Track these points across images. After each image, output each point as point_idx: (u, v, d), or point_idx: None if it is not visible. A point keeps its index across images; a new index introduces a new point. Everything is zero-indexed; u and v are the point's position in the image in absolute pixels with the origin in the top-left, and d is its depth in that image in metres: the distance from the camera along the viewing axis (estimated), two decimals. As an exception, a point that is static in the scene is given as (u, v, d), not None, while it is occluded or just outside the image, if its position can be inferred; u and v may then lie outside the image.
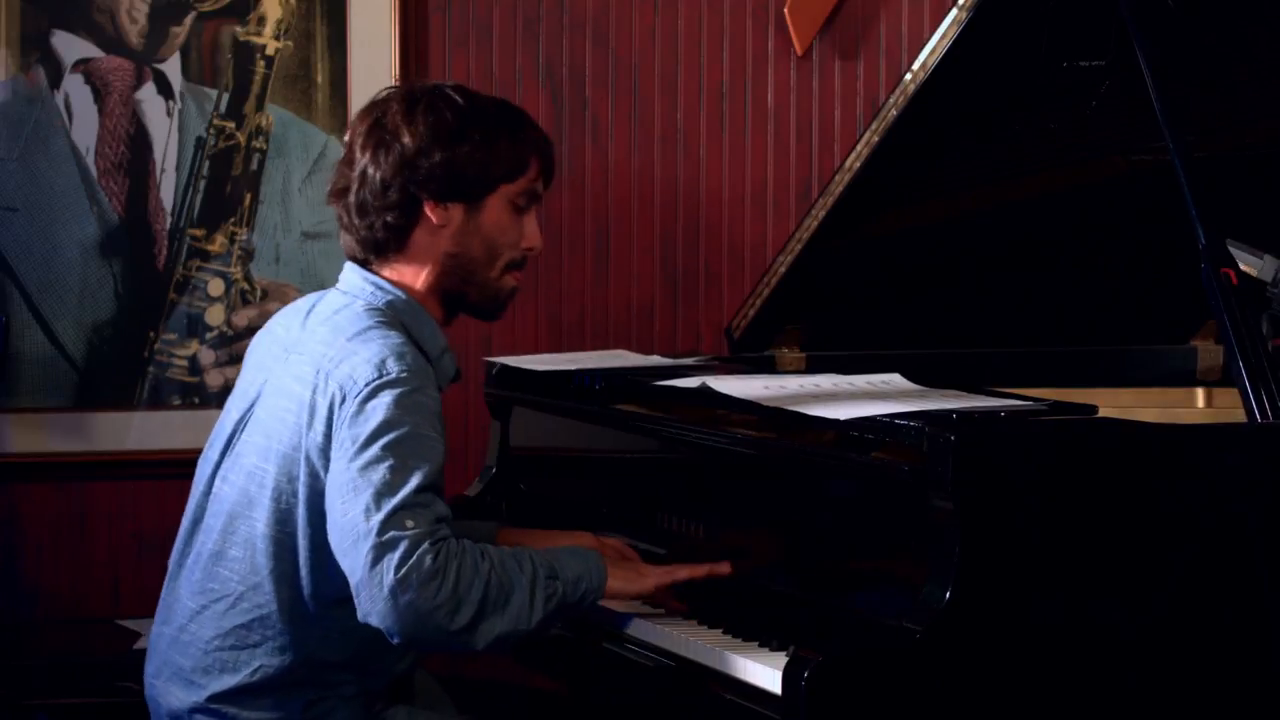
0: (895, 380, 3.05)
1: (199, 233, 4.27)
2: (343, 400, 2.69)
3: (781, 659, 2.55)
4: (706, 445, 3.05)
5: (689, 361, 3.61)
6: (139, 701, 3.75)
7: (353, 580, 2.60)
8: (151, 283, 4.26)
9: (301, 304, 2.94)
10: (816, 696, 2.42)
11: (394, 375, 2.68)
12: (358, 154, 2.81)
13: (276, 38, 4.28)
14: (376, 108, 2.84)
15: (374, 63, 4.29)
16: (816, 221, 3.49)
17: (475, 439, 4.33)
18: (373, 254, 2.84)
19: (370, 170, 2.79)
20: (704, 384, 3.05)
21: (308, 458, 2.72)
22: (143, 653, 3.90)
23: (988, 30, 3.21)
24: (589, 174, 4.43)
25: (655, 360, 3.62)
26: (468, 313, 2.92)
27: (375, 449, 2.63)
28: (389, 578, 2.55)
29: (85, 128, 4.22)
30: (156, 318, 4.27)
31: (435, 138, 2.78)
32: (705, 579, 2.87)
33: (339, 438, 2.67)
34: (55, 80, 4.21)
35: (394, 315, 2.80)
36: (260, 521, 2.75)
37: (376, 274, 2.85)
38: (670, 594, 2.87)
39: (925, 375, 3.07)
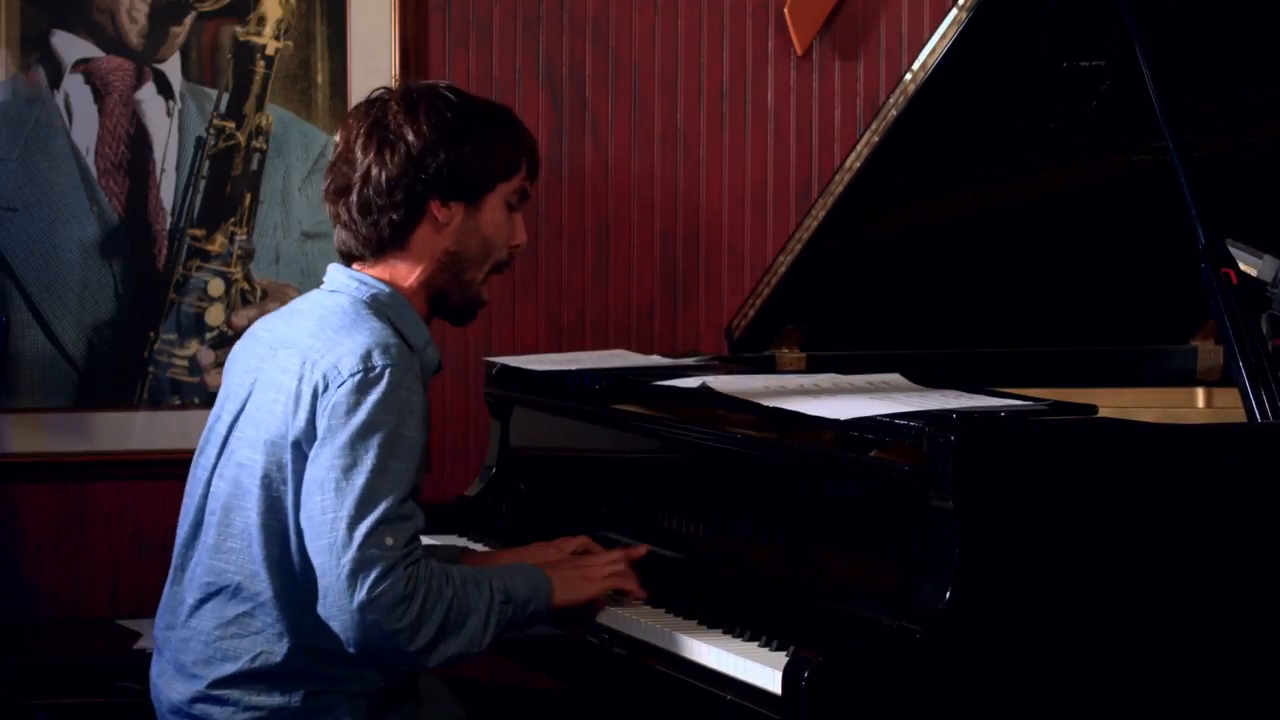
0: (895, 380, 3.06)
1: (199, 233, 4.27)
2: (325, 388, 2.73)
3: (781, 659, 2.55)
4: (706, 445, 3.05)
5: (689, 361, 3.61)
6: (139, 701, 3.76)
7: (321, 580, 2.68)
8: (151, 283, 4.27)
9: (284, 308, 2.99)
10: (816, 696, 2.42)
11: (379, 368, 2.73)
12: (358, 154, 2.84)
13: (276, 38, 4.28)
14: (374, 108, 2.87)
15: (374, 63, 4.29)
16: (816, 221, 3.49)
17: (475, 439, 4.33)
18: (373, 252, 2.87)
19: (374, 170, 2.83)
20: (704, 384, 3.05)
21: (295, 445, 2.76)
22: (142, 652, 3.92)
23: (988, 30, 3.21)
24: (589, 174, 4.43)
25: (655, 360, 3.62)
26: (443, 315, 2.96)
27: (360, 451, 2.69)
28: (360, 595, 2.64)
29: (85, 128, 4.22)
30: (156, 318, 4.27)
31: (439, 137, 2.83)
32: (695, 575, 2.94)
33: (322, 425, 2.72)
34: (55, 80, 4.21)
35: (379, 308, 2.84)
36: (252, 511, 2.79)
37: (362, 271, 2.89)
38: (631, 584, 2.95)
39: (925, 375, 3.07)
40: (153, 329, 4.27)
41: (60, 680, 3.87)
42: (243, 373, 2.91)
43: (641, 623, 2.86)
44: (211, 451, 2.89)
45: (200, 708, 2.82)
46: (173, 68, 4.26)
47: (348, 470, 2.68)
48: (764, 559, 2.92)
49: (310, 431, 2.73)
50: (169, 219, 4.26)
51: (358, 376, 2.72)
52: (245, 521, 2.79)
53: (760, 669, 2.59)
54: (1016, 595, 2.52)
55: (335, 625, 2.67)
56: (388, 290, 2.86)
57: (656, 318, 4.46)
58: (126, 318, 4.26)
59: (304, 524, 2.72)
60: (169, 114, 4.26)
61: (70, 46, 4.21)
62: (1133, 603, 2.58)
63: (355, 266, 2.90)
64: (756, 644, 2.69)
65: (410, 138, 2.82)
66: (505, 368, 3.62)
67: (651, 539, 3.13)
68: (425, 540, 3.37)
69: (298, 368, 2.78)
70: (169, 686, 2.87)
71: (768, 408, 2.88)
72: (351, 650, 2.69)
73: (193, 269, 4.27)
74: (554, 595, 2.87)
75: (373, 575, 2.63)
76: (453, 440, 4.41)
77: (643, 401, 3.26)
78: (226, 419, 2.89)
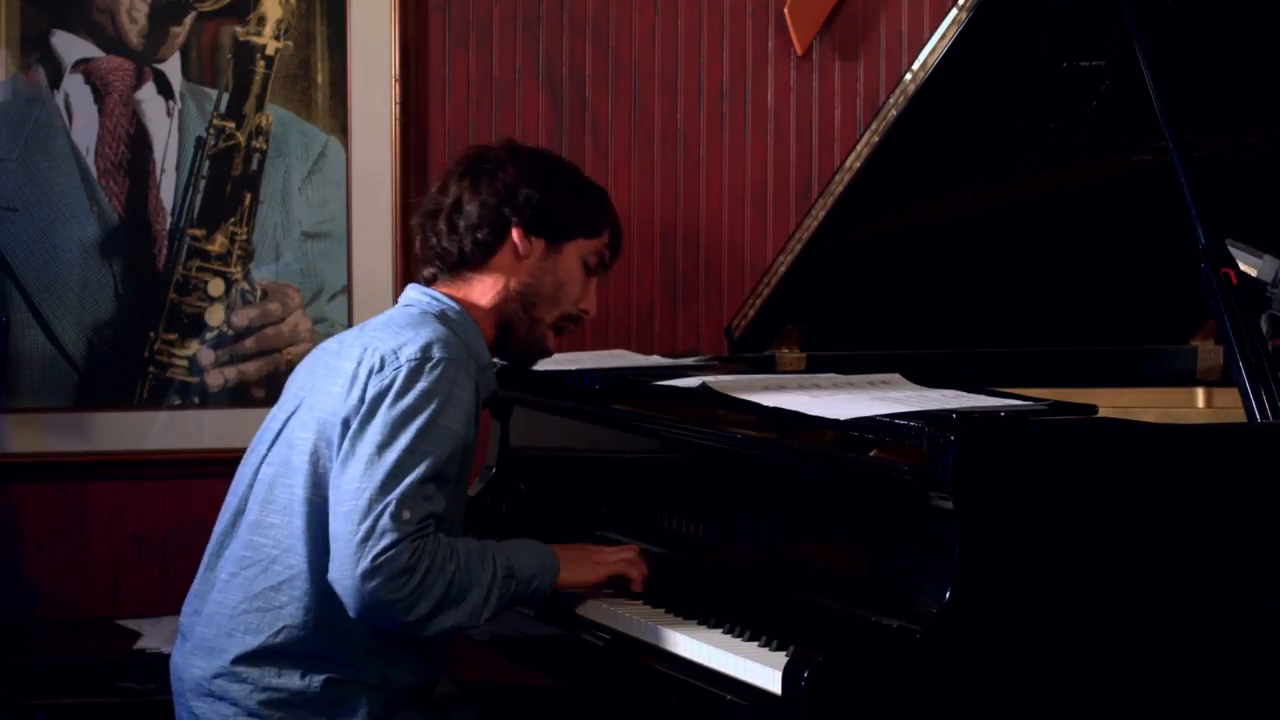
0: (895, 380, 3.06)
1: (199, 233, 4.27)
2: (380, 367, 2.84)
3: (781, 659, 2.55)
4: (706, 445, 3.05)
5: (689, 361, 3.61)
6: (139, 701, 3.76)
7: (334, 544, 2.77)
8: (151, 283, 4.27)
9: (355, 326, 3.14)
10: (816, 696, 2.42)
11: (436, 359, 2.84)
12: (453, 185, 3.04)
13: (276, 38, 4.28)
14: (478, 149, 3.08)
15: (374, 63, 4.29)
16: (816, 221, 3.49)
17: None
18: (451, 267, 3.02)
19: (467, 195, 3.01)
20: (704, 384, 3.05)
21: (345, 421, 2.85)
22: (142, 653, 3.92)
23: (988, 30, 3.21)
24: (589, 174, 4.42)
25: (655, 360, 3.62)
26: (506, 353, 3.09)
27: (398, 431, 2.79)
28: (364, 563, 2.72)
29: (85, 128, 4.22)
30: (156, 318, 4.27)
31: (534, 177, 3.02)
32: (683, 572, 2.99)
33: (370, 397, 2.82)
34: (55, 80, 4.21)
35: (446, 321, 2.96)
36: (298, 486, 2.87)
37: (437, 290, 3.02)
38: (636, 573, 2.99)
39: (925, 375, 3.07)
40: (153, 329, 4.27)
41: (60, 680, 3.87)
42: (306, 376, 3.01)
43: (641, 622, 2.86)
44: (262, 448, 2.98)
45: (219, 684, 2.87)
46: (173, 68, 4.26)
47: (382, 447, 2.78)
48: (764, 559, 2.92)
49: (359, 408, 2.83)
50: (169, 219, 4.26)
51: (414, 362, 2.84)
52: (289, 496, 2.88)
53: (760, 669, 2.59)
54: (1016, 595, 2.52)
55: (339, 589, 2.75)
56: (457, 307, 3.00)
57: (656, 318, 4.46)
58: (126, 318, 4.26)
59: (332, 494, 2.80)
60: (169, 114, 4.26)
61: (70, 46, 4.21)
62: (1133, 602, 2.58)
63: (439, 285, 3.03)
64: (756, 644, 2.69)
65: (508, 171, 3.01)
66: (505, 368, 3.61)
67: (651, 539, 3.13)
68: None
69: (359, 354, 2.89)
70: (190, 664, 2.91)
71: (768, 408, 2.88)
72: (352, 615, 2.76)
73: (193, 269, 4.27)
74: (559, 575, 2.92)
75: (380, 545, 2.72)
76: (453, 440, 4.40)
77: (643, 401, 3.26)
78: (282, 417, 2.98)
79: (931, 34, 3.27)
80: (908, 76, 3.30)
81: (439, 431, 2.81)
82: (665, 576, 3.01)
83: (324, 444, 2.86)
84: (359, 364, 2.87)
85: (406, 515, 2.74)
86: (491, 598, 2.82)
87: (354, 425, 2.82)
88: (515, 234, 3.00)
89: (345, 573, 2.73)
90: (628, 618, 2.90)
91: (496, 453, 3.63)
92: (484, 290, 3.02)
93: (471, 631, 2.95)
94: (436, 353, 2.84)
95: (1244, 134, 3.53)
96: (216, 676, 2.87)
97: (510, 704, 3.48)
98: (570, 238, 3.03)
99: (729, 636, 2.74)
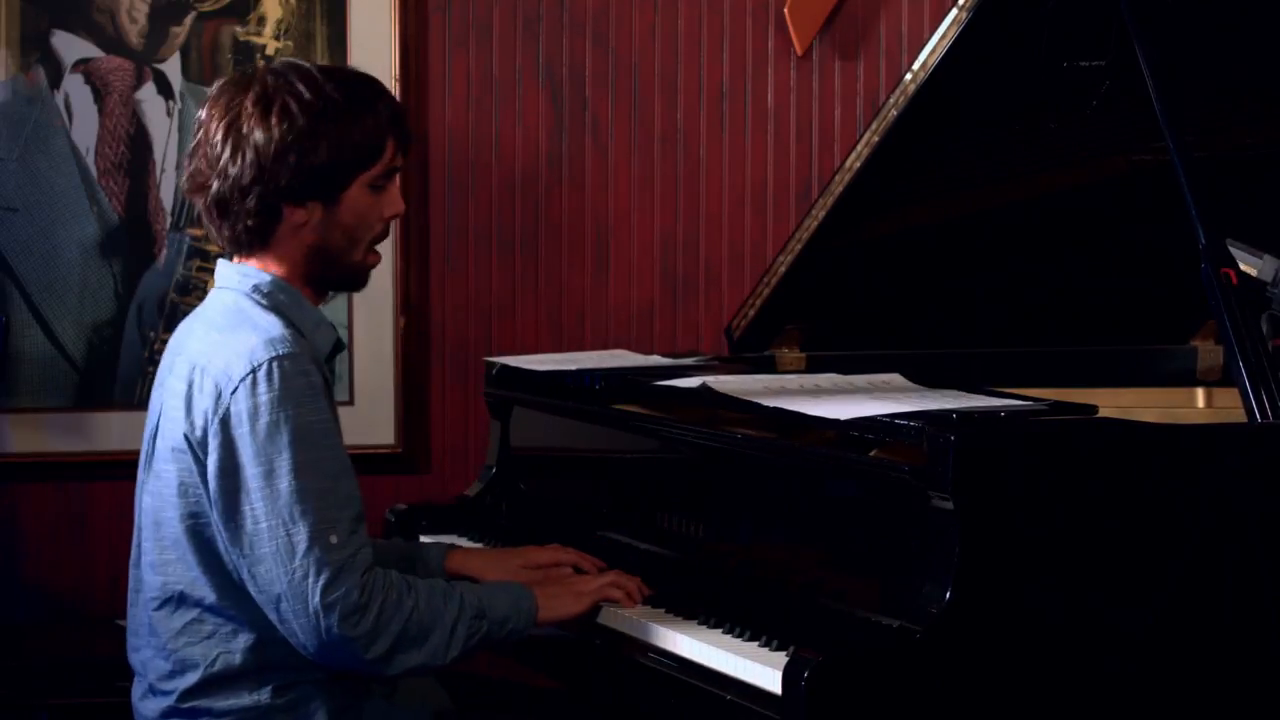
0: (895, 380, 3.05)
1: (199, 233, 4.27)
2: (219, 395, 2.72)
3: (781, 659, 2.55)
4: (706, 445, 3.04)
5: (689, 361, 3.61)
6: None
7: (272, 589, 2.69)
8: (151, 283, 4.26)
9: (189, 315, 2.97)
10: (816, 696, 2.42)
11: (265, 363, 2.71)
12: (216, 150, 2.80)
13: (276, 38, 4.28)
14: (233, 103, 2.80)
15: (374, 63, 4.29)
16: (816, 221, 3.49)
17: (475, 439, 4.33)
18: (237, 250, 2.86)
19: (230, 169, 2.78)
20: (704, 384, 3.05)
21: (193, 448, 2.75)
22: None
23: (988, 30, 3.21)
24: (589, 174, 4.43)
25: (655, 360, 3.61)
26: (334, 289, 2.94)
27: (273, 452, 2.69)
28: (315, 601, 2.66)
29: (85, 128, 4.22)
30: (156, 318, 4.27)
31: (289, 142, 2.77)
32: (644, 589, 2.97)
33: (217, 428, 2.71)
34: (55, 80, 4.21)
35: (263, 298, 2.82)
36: (176, 519, 2.78)
37: (244, 263, 2.86)
38: (622, 599, 2.95)
39: (925, 375, 3.07)
40: (153, 329, 4.26)
41: (60, 680, 3.87)
42: (156, 388, 2.91)
43: (641, 622, 2.86)
44: (141, 472, 2.89)
45: None
46: (173, 68, 4.26)
47: (268, 475, 2.68)
48: (764, 559, 2.92)
49: (204, 437, 2.72)
50: (169, 219, 4.26)
51: (248, 379, 2.71)
52: (174, 531, 2.78)
53: (760, 669, 2.59)
54: (1016, 595, 2.52)
55: (294, 631, 2.69)
56: (268, 279, 2.83)
57: (656, 318, 4.46)
58: (127, 318, 4.25)
59: (241, 536, 2.70)
60: (169, 114, 4.26)
61: (70, 46, 4.21)
62: (1133, 602, 2.58)
63: (237, 259, 2.87)
64: (756, 644, 2.69)
65: (260, 142, 2.76)
66: (505, 368, 3.62)
67: (651, 539, 3.13)
68: (422, 539, 3.40)
69: (187, 373, 2.78)
70: (146, 704, 2.87)
71: (768, 408, 2.88)
72: (312, 656, 2.71)
73: (193, 269, 4.27)
74: (538, 614, 2.88)
75: (323, 580, 2.66)
76: (453, 440, 4.41)
77: (643, 401, 3.26)
78: (148, 437, 2.88)
79: (931, 34, 3.26)
80: (908, 76, 3.30)
81: (314, 431, 2.71)
82: (665, 576, 3.00)
83: (185, 473, 2.75)
84: (190, 385, 2.76)
85: (334, 539, 2.67)
86: (457, 637, 2.76)
87: (214, 461, 2.71)
88: (286, 210, 2.79)
89: (296, 613, 2.67)
90: (628, 618, 2.90)
91: (496, 453, 3.63)
92: (279, 264, 2.83)
93: None
94: (262, 355, 2.71)
95: (1244, 134, 3.52)
96: (168, 716, 2.81)
97: (485, 691, 3.46)
98: (346, 185, 2.81)
99: (729, 636, 2.74)
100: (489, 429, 3.67)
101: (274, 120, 2.76)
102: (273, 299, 2.82)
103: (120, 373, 4.26)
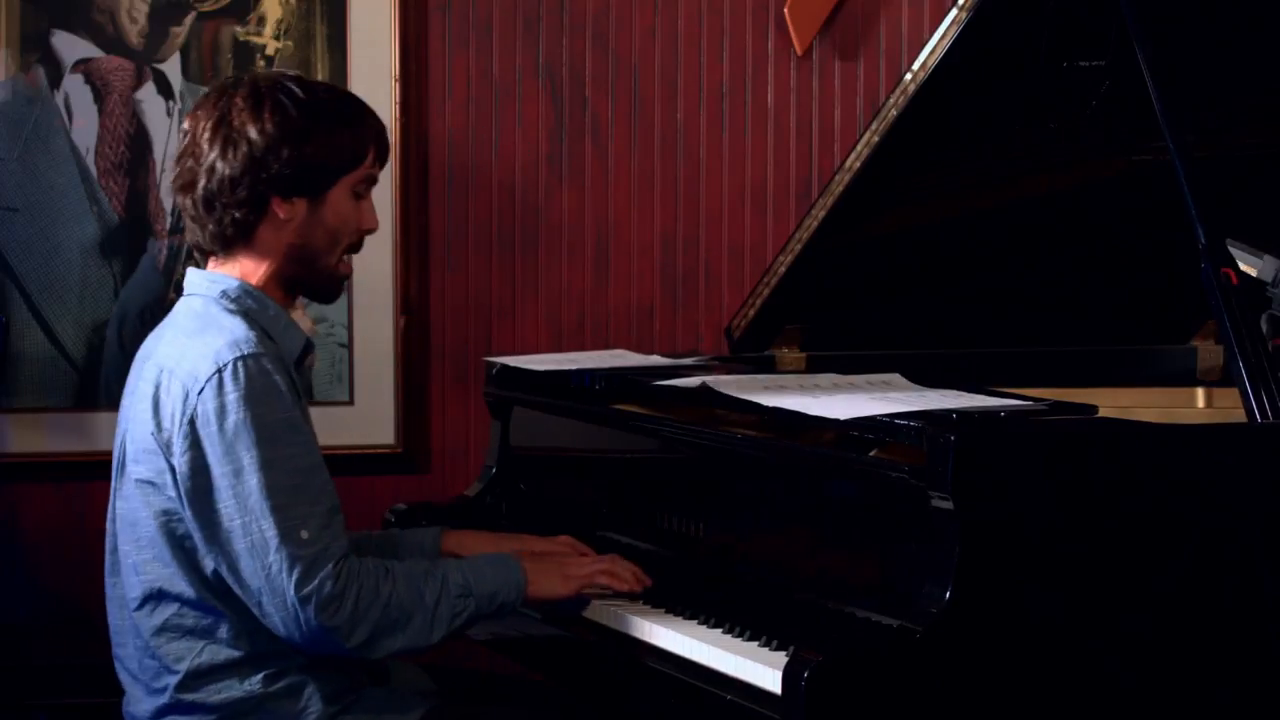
0: (895, 380, 3.05)
1: (199, 233, 4.26)
2: (186, 397, 2.75)
3: (781, 659, 2.55)
4: (706, 445, 3.05)
5: (689, 361, 3.61)
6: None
7: (251, 584, 2.73)
8: (151, 283, 4.26)
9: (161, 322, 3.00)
10: (816, 697, 2.42)
11: (229, 363, 2.74)
12: (204, 148, 2.84)
13: (276, 38, 4.28)
14: (221, 103, 2.85)
15: (374, 63, 4.29)
16: (816, 221, 3.49)
17: (475, 439, 4.33)
18: (221, 248, 2.88)
19: (219, 165, 2.82)
20: (704, 384, 3.05)
21: (162, 448, 2.77)
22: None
23: (988, 30, 3.21)
24: (589, 174, 4.43)
25: (655, 360, 3.61)
26: (306, 295, 2.98)
27: (239, 451, 2.72)
28: (291, 595, 2.69)
29: (85, 128, 4.22)
30: (157, 318, 4.27)
31: (282, 135, 2.82)
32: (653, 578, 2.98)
33: (184, 430, 2.74)
34: (55, 80, 4.21)
35: (230, 303, 2.86)
36: (150, 520, 2.81)
37: (215, 270, 2.90)
38: (616, 583, 2.96)
39: (925, 375, 3.07)
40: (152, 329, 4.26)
41: (60, 680, 3.87)
42: (126, 395, 2.93)
43: (640, 622, 2.86)
44: (114, 482, 2.91)
45: (172, 718, 2.83)
46: (173, 68, 4.26)
47: (237, 474, 2.71)
48: (764, 558, 2.92)
49: (170, 439, 2.75)
50: (169, 219, 4.26)
51: (214, 379, 2.74)
52: (149, 530, 2.81)
53: (760, 669, 2.59)
54: (1016, 595, 2.52)
55: (276, 624, 2.72)
56: (236, 284, 2.86)
57: (656, 318, 4.46)
58: (126, 318, 4.26)
59: (217, 534, 2.73)
60: (169, 114, 4.26)
61: (70, 46, 4.21)
62: (1133, 602, 2.58)
63: (210, 265, 2.91)
64: (756, 644, 2.69)
65: (253, 135, 2.81)
66: (505, 368, 3.62)
67: (651, 539, 3.13)
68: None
69: (154, 376, 2.81)
70: (139, 706, 2.88)
71: (768, 408, 2.88)
72: (300, 648, 2.74)
73: (193, 269, 4.27)
74: (528, 588, 2.88)
75: (297, 573, 2.69)
76: (453, 440, 4.41)
77: (643, 401, 3.26)
78: (118, 444, 2.90)
79: (931, 34, 3.27)
80: (908, 76, 3.30)
81: (279, 428, 2.74)
82: (665, 576, 3.00)
83: (154, 474, 2.78)
84: (156, 387, 2.79)
85: (305, 534, 2.70)
86: (440, 618, 2.78)
87: (183, 462, 2.74)
88: (275, 204, 2.83)
89: (276, 607, 2.70)
90: (627, 617, 2.90)
91: (496, 453, 3.63)
92: (257, 264, 2.87)
93: (470, 633, 2.95)
94: (226, 355, 2.75)
95: (1244, 134, 3.53)
96: (162, 712, 2.83)
97: (467, 680, 3.45)
98: (333, 183, 2.86)
99: (729, 636, 2.74)
100: (489, 429, 3.67)
101: (267, 114, 2.81)
102: (240, 304, 2.85)
103: (120, 373, 4.25)
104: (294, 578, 2.69)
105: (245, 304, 2.85)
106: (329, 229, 2.88)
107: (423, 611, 2.77)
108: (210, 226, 2.85)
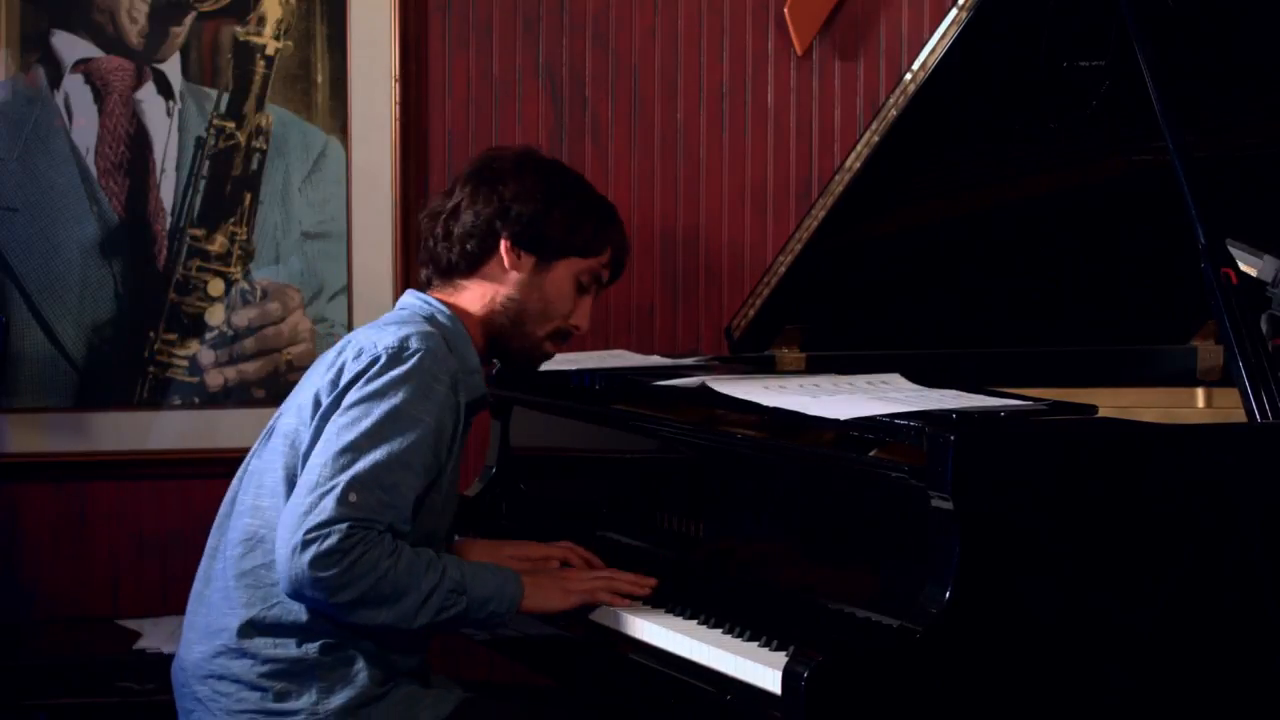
0: (895, 380, 3.06)
1: (199, 233, 4.27)
2: (358, 355, 2.89)
3: (781, 659, 2.55)
4: (706, 445, 3.05)
5: (689, 361, 3.61)
6: (139, 701, 3.76)
7: (284, 511, 2.83)
8: (151, 283, 4.26)
9: None
10: (816, 697, 2.43)
11: (411, 350, 2.88)
12: (458, 187, 3.07)
13: (276, 38, 4.28)
14: (491, 154, 3.10)
15: (374, 63, 4.29)
16: (816, 221, 3.49)
17: (475, 439, 4.33)
18: (442, 273, 3.06)
19: (465, 202, 3.04)
20: (704, 384, 3.05)
21: (316, 398, 2.90)
22: (142, 653, 3.92)
23: (988, 30, 3.21)
24: (589, 174, 4.42)
25: (655, 360, 3.62)
26: (503, 359, 3.13)
27: (362, 414, 2.84)
28: (298, 535, 2.76)
29: (85, 128, 4.22)
30: (156, 318, 4.27)
31: (534, 193, 3.03)
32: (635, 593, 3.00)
33: (344, 381, 2.88)
34: (55, 80, 4.21)
35: (435, 326, 2.99)
36: (279, 467, 2.92)
37: (431, 295, 3.06)
38: (614, 600, 2.99)
39: (925, 375, 3.07)
40: (153, 329, 4.27)
41: (60, 680, 3.87)
42: (303, 375, 3.06)
43: (640, 622, 2.86)
44: (257, 446, 3.02)
45: (220, 663, 2.90)
46: (173, 68, 4.26)
47: (346, 427, 2.83)
48: (764, 559, 2.92)
49: (331, 391, 2.88)
50: (169, 219, 4.26)
51: (391, 351, 2.88)
52: (275, 479, 2.92)
53: (760, 669, 2.59)
54: (1016, 595, 2.52)
55: (279, 560, 2.79)
56: (448, 312, 3.03)
57: (656, 318, 4.46)
58: (126, 318, 4.26)
59: (305, 462, 2.85)
60: (169, 114, 4.26)
61: (70, 46, 4.21)
62: (1132, 602, 2.58)
63: (436, 285, 3.07)
64: (756, 644, 2.69)
65: (508, 184, 3.03)
66: (503, 368, 3.61)
67: (651, 539, 3.13)
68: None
69: (343, 346, 2.96)
70: (192, 650, 2.94)
71: (767, 408, 2.88)
72: (282, 588, 2.81)
73: (193, 269, 4.27)
74: (522, 600, 2.92)
75: (317, 520, 2.75)
76: (453, 440, 4.40)
77: (643, 401, 3.27)
78: (278, 412, 3.03)
79: (931, 34, 3.27)
80: (908, 76, 3.30)
81: (405, 419, 2.84)
82: (665, 576, 3.00)
83: (301, 424, 2.91)
84: (340, 353, 2.94)
85: (353, 499, 2.77)
86: (429, 606, 2.82)
87: (324, 405, 2.87)
88: (504, 248, 3.02)
89: (282, 542, 2.78)
90: (626, 617, 2.90)
91: (496, 453, 3.63)
92: (473, 299, 3.04)
93: (470, 633, 2.96)
94: (413, 344, 2.88)
95: (1244, 134, 3.53)
96: (217, 656, 2.90)
97: (500, 696, 3.47)
98: (562, 256, 3.04)
99: (729, 636, 2.74)
100: (489, 429, 3.67)
101: (528, 174, 3.05)
102: (443, 329, 2.99)
103: (120, 373, 4.26)
104: (311, 521, 2.75)
105: (447, 329, 2.99)
106: (545, 299, 3.04)
107: (416, 595, 2.81)
108: (441, 249, 3.04)
